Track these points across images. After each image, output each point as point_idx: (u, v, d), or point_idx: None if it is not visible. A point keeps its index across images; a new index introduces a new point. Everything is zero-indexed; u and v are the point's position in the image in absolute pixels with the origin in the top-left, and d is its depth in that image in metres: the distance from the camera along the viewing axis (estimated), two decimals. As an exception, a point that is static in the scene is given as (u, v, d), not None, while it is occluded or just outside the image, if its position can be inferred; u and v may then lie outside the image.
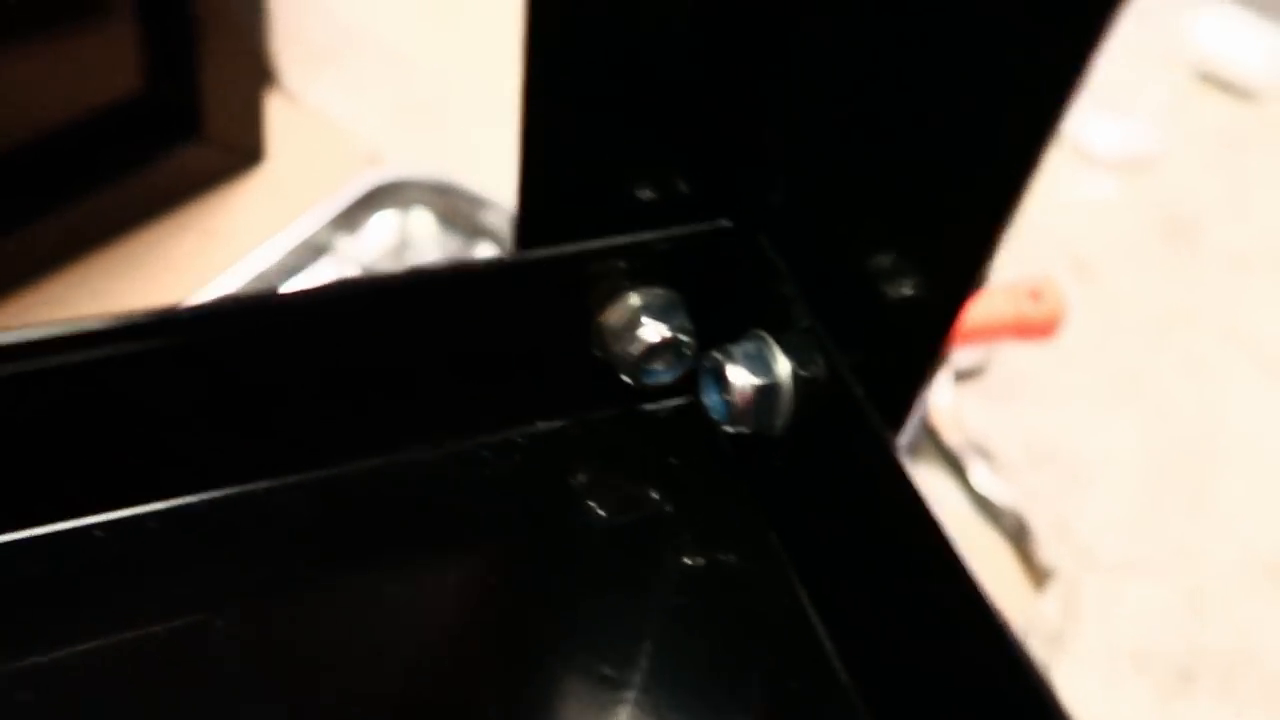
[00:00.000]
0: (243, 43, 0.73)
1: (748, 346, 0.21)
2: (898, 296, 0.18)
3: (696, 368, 0.22)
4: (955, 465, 0.77)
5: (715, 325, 0.21)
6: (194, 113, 0.72)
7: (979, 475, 0.76)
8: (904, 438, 0.73)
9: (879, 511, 0.19)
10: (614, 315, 0.21)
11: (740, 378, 0.21)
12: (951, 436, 0.77)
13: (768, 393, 0.21)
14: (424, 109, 0.88)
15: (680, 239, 0.20)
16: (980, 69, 0.16)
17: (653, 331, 0.21)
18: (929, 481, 0.76)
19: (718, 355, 0.21)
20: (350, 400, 0.21)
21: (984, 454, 0.78)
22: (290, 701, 0.21)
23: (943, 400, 0.79)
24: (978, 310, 0.77)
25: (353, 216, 0.76)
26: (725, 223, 0.20)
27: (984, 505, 0.75)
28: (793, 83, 0.19)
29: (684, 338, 0.21)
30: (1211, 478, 0.80)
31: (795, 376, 0.21)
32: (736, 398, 0.21)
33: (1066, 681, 0.68)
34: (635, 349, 0.21)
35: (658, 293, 0.21)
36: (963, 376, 0.84)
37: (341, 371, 0.20)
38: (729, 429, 0.22)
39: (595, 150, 0.19)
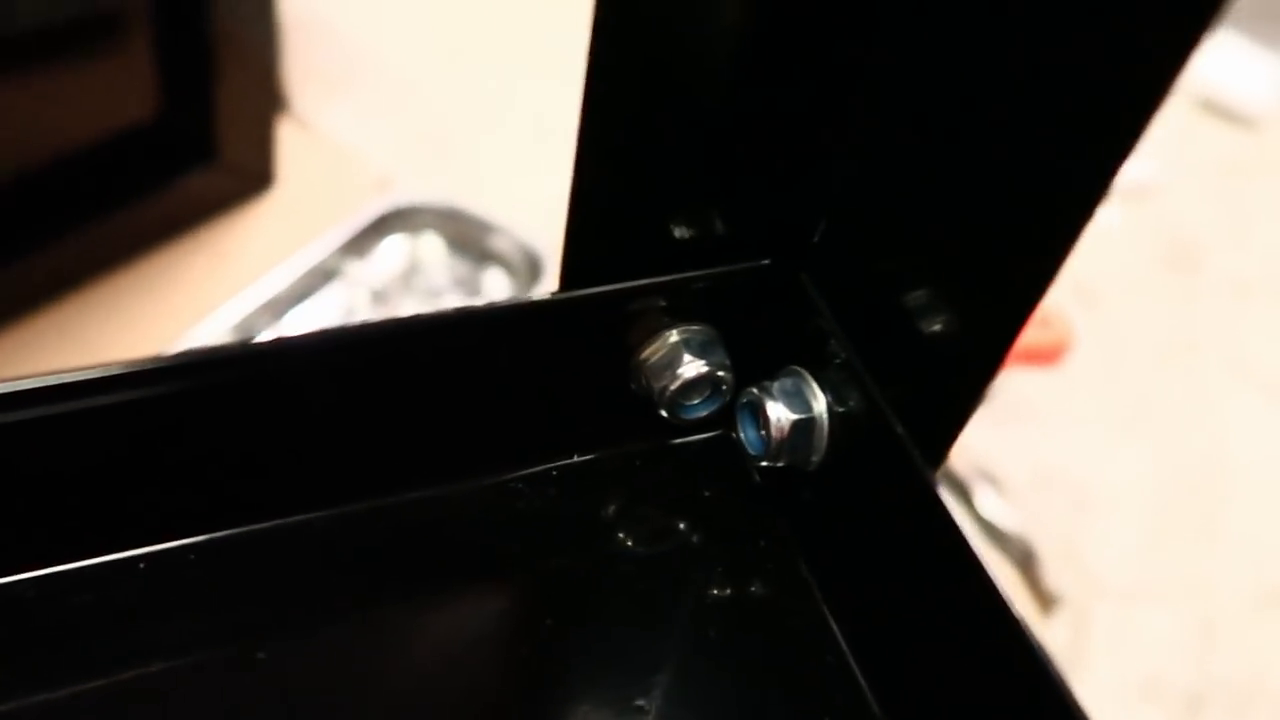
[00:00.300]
0: (257, 70, 0.74)
1: (785, 382, 0.21)
2: (938, 334, 0.19)
3: (733, 403, 0.22)
4: (961, 490, 0.77)
5: (754, 361, 0.22)
6: (208, 138, 0.73)
7: (985, 501, 0.76)
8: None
9: (917, 549, 0.20)
10: (653, 352, 0.21)
11: (778, 413, 0.21)
12: (957, 461, 0.77)
13: (804, 428, 0.21)
14: (434, 136, 0.88)
15: (719, 277, 0.21)
16: (1034, 115, 0.16)
17: (691, 368, 0.21)
18: (936, 507, 0.76)
19: (755, 391, 0.22)
20: (390, 434, 0.21)
21: (990, 479, 0.78)
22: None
23: (949, 426, 0.79)
24: (984, 337, 0.78)
25: (363, 241, 0.77)
26: (765, 261, 0.21)
27: (990, 531, 0.75)
28: (838, 124, 0.19)
29: (722, 374, 0.21)
30: (1219, 505, 0.80)
31: (831, 412, 0.21)
32: (773, 433, 0.21)
33: (1075, 709, 0.67)
34: (674, 385, 0.21)
35: (697, 329, 0.21)
36: (969, 402, 0.84)
37: (383, 406, 0.21)
38: (764, 464, 0.22)
39: (641, 192, 0.19)
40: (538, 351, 0.21)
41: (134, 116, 0.70)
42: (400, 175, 0.84)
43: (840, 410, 0.21)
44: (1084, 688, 0.63)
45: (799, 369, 0.21)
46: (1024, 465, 0.80)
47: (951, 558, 0.18)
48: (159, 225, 0.75)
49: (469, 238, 0.80)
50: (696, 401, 0.22)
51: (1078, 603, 0.73)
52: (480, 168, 0.87)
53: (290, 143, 0.82)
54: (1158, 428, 0.85)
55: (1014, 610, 0.17)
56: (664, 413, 0.22)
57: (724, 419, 0.24)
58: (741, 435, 0.22)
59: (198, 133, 0.73)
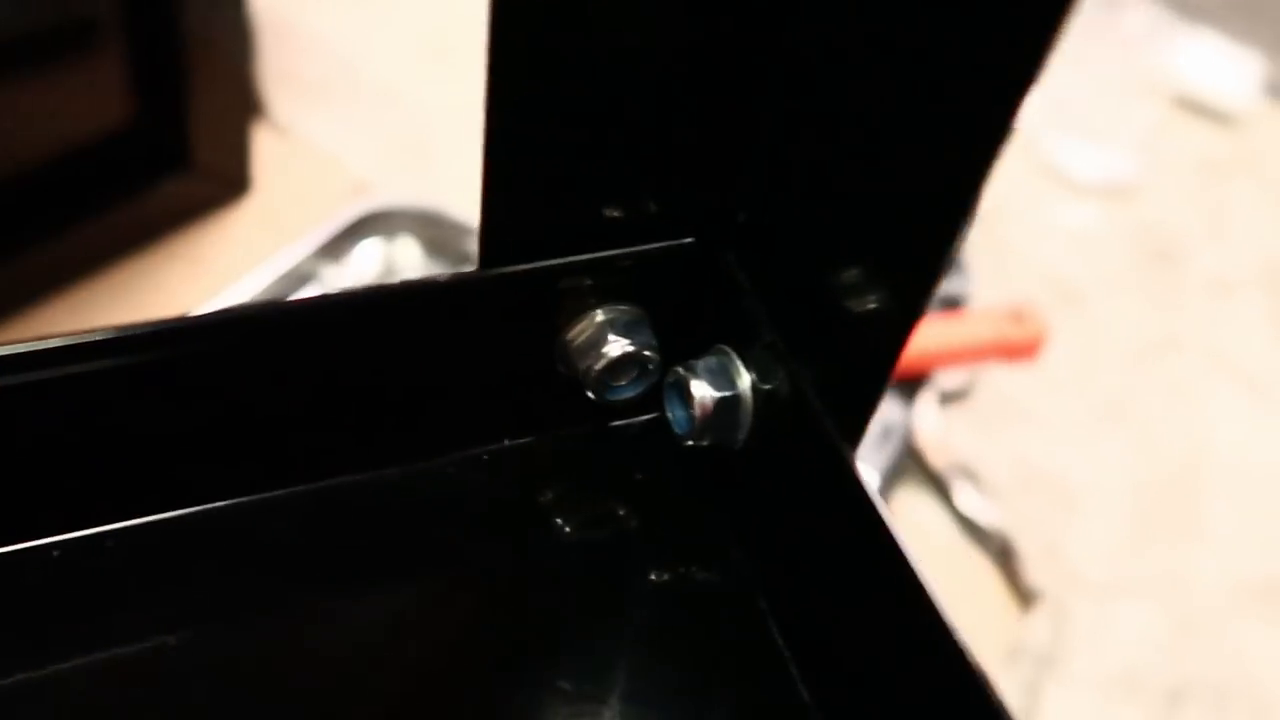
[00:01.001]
0: (231, 76, 0.74)
1: (710, 361, 0.21)
2: (856, 311, 0.19)
3: (661, 384, 0.22)
4: (941, 488, 0.77)
5: (680, 341, 0.22)
6: (182, 144, 0.73)
7: (965, 497, 0.76)
8: (886, 460, 0.73)
9: (835, 523, 0.20)
10: (578, 331, 0.21)
11: (702, 391, 0.21)
12: (937, 459, 0.77)
13: (729, 406, 0.21)
14: (410, 140, 0.88)
15: (645, 255, 0.21)
16: (929, 90, 0.17)
17: (617, 347, 0.21)
18: (915, 504, 0.76)
19: (681, 370, 0.22)
20: (312, 420, 0.21)
21: (970, 476, 0.78)
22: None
23: (928, 423, 0.79)
24: (960, 333, 0.78)
25: (339, 245, 0.76)
26: (689, 240, 0.21)
27: (970, 527, 0.75)
28: (760, 106, 0.19)
29: (648, 353, 0.21)
30: (1198, 500, 0.80)
31: (756, 390, 0.21)
32: (697, 410, 0.21)
33: (1056, 704, 0.68)
34: (599, 365, 0.21)
35: (622, 309, 0.21)
36: (948, 399, 0.84)
37: (303, 390, 0.20)
38: (691, 443, 0.22)
39: (560, 168, 0.19)
40: (460, 331, 0.21)
41: (107, 123, 0.70)
42: (377, 180, 0.84)
43: (765, 388, 0.21)
44: (1063, 683, 0.63)
45: (725, 348, 0.21)
46: (1003, 462, 0.80)
47: (868, 534, 0.18)
48: (133, 232, 0.75)
49: (445, 241, 0.80)
50: (624, 382, 0.22)
51: (1057, 598, 0.73)
52: (457, 172, 0.87)
53: (266, 148, 0.83)
54: (1137, 424, 0.85)
55: (930, 589, 0.17)
56: (591, 394, 0.22)
57: (660, 402, 0.24)
58: (669, 414, 0.22)
59: (172, 139, 0.73)
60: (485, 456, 0.23)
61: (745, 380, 0.21)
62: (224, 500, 0.21)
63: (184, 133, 0.73)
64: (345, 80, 0.92)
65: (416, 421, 0.22)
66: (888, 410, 0.76)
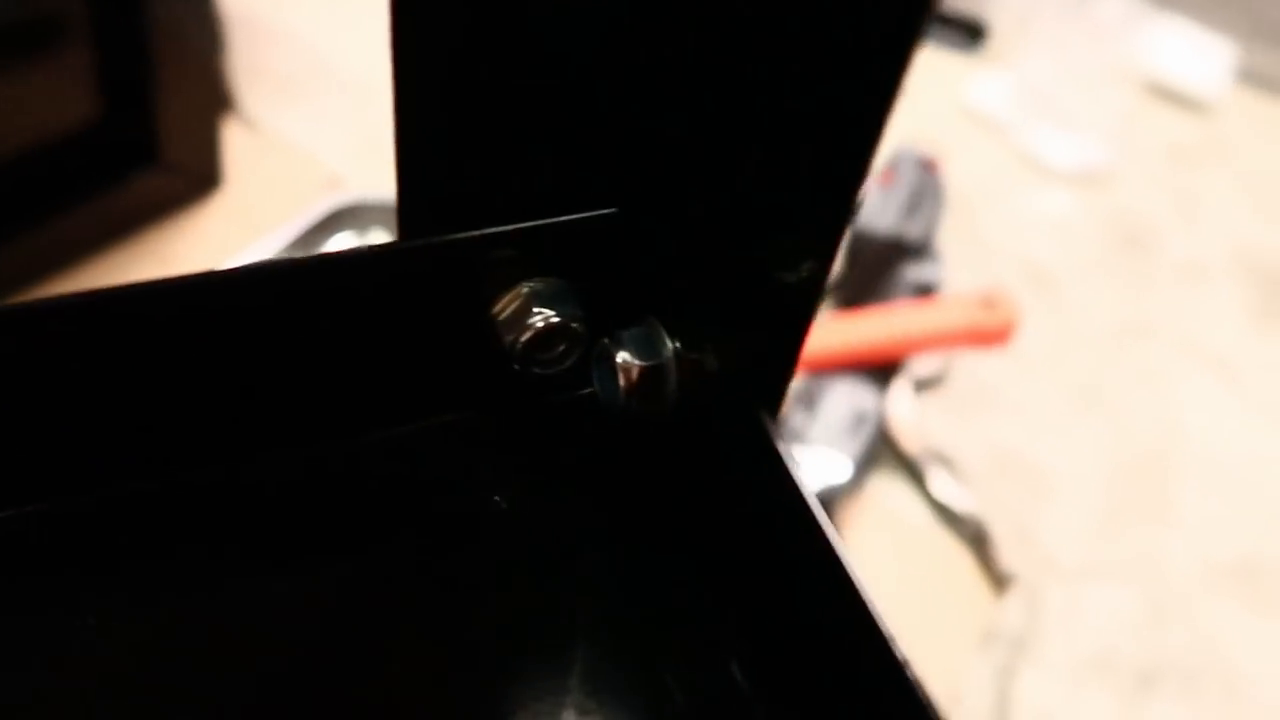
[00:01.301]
0: (200, 71, 0.74)
1: (635, 331, 0.21)
2: (771, 277, 0.19)
3: (589, 356, 0.23)
4: (915, 474, 0.78)
5: (609, 313, 0.22)
6: (151, 140, 0.73)
7: (938, 483, 0.76)
8: (860, 447, 0.74)
9: (756, 492, 0.20)
10: (505, 305, 0.21)
11: (626, 360, 0.21)
12: (911, 445, 0.78)
13: (653, 375, 0.21)
14: (382, 134, 0.88)
15: (569, 225, 0.21)
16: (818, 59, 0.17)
17: (541, 319, 0.21)
18: (889, 490, 0.77)
19: (606, 341, 0.22)
20: (236, 397, 0.21)
21: (944, 462, 0.79)
22: (178, 702, 0.21)
23: (902, 409, 0.80)
24: (933, 318, 0.78)
25: (311, 240, 0.76)
26: (612, 210, 0.21)
27: (944, 513, 0.76)
28: (671, 74, 0.19)
29: (575, 325, 0.21)
30: (1169, 484, 0.81)
31: (681, 358, 0.21)
32: (623, 381, 0.21)
33: (1030, 687, 0.68)
34: (525, 336, 0.21)
35: (548, 281, 0.21)
36: (922, 386, 0.84)
37: (226, 366, 0.20)
38: (620, 413, 0.22)
39: (478, 140, 0.19)
40: (384, 305, 0.21)
41: (75, 119, 0.70)
42: (350, 175, 0.84)
43: (690, 357, 0.21)
44: (1036, 666, 0.63)
45: (651, 318, 0.22)
46: (977, 447, 0.81)
47: (786, 502, 0.19)
48: (104, 228, 0.74)
49: (418, 234, 0.80)
50: (552, 355, 0.22)
51: (1030, 582, 0.74)
52: (432, 166, 0.87)
53: (238, 144, 0.82)
54: (1109, 409, 0.86)
55: (845, 558, 0.17)
56: (518, 367, 0.22)
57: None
58: (596, 386, 0.23)
59: (140, 134, 0.73)
60: (419, 432, 0.23)
61: (670, 349, 0.21)
62: (137, 482, 0.21)
63: (153, 128, 0.73)
64: (316, 74, 0.92)
65: (347, 398, 0.22)
66: (862, 397, 0.76)
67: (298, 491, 0.23)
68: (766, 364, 0.20)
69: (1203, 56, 1.09)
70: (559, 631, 0.24)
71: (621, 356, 0.21)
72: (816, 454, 0.73)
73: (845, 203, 0.16)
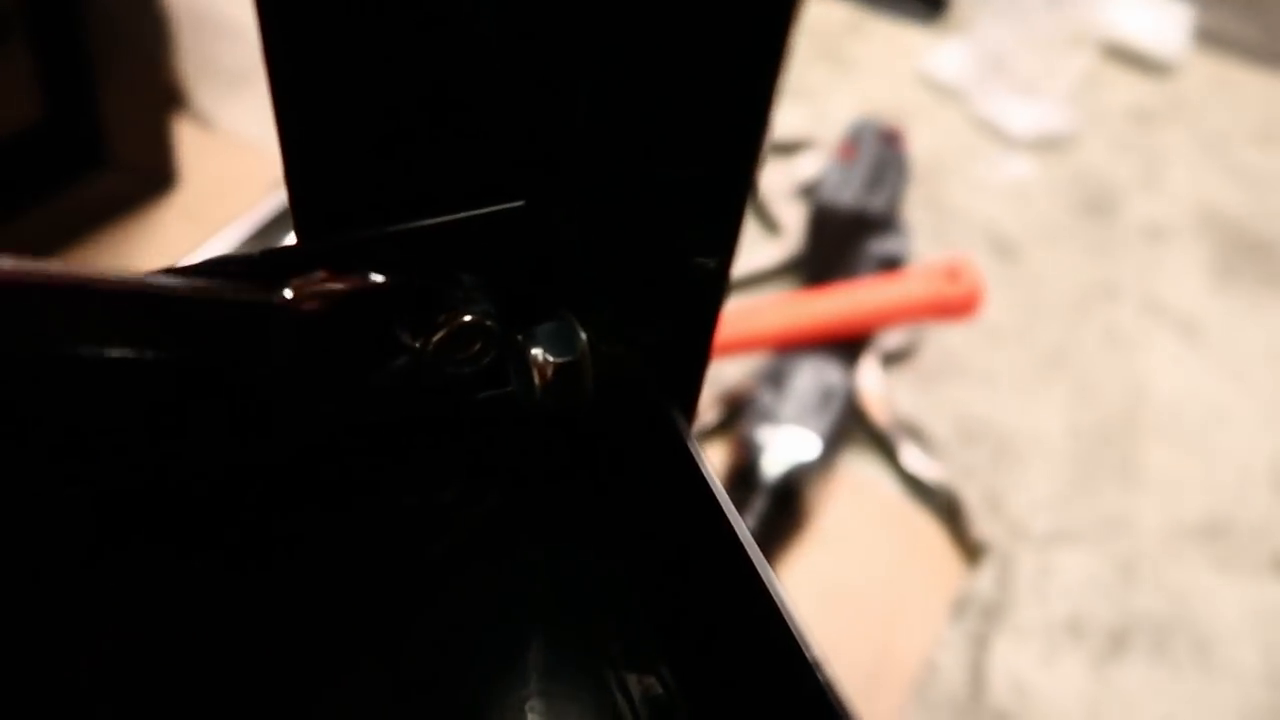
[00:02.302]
0: (146, 68, 0.73)
1: (549, 327, 0.21)
2: (678, 268, 0.19)
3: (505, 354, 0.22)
4: (885, 447, 0.78)
5: (521, 309, 0.22)
6: (99, 140, 0.72)
7: (909, 455, 0.77)
8: (829, 423, 0.74)
9: (669, 487, 0.20)
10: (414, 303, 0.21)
11: (540, 357, 0.21)
12: (881, 418, 0.78)
13: (568, 371, 0.21)
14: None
15: (475, 220, 0.20)
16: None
17: (453, 317, 0.21)
18: (861, 465, 0.77)
19: (520, 338, 0.21)
20: (161, 405, 0.21)
21: (914, 434, 0.79)
22: (136, 695, 0.21)
23: (871, 383, 0.80)
24: (897, 292, 0.78)
25: (267, 237, 0.76)
26: (519, 203, 0.20)
27: (915, 485, 0.76)
28: (571, 60, 0.19)
29: (488, 323, 0.21)
30: (1137, 447, 0.82)
31: (597, 353, 0.21)
32: (537, 378, 0.21)
33: (1004, 653, 0.69)
34: (437, 336, 0.21)
35: (457, 278, 0.21)
36: (891, 359, 0.85)
37: (147, 374, 0.20)
38: (536, 411, 0.22)
39: (369, 131, 0.19)
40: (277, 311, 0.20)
41: (16, 121, 0.69)
42: (306, 168, 0.83)
43: (604, 351, 0.21)
44: (1009, 632, 0.64)
45: (565, 313, 0.21)
46: (947, 419, 0.81)
47: (694, 495, 0.18)
48: (55, 232, 0.73)
49: (377, 226, 0.79)
50: (466, 354, 0.21)
51: (1001, 549, 0.74)
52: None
53: (190, 141, 0.81)
54: (1076, 373, 0.86)
55: (757, 559, 0.17)
56: (435, 368, 0.21)
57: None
58: (513, 383, 0.22)
59: (87, 134, 0.72)
60: (335, 440, 0.23)
61: (584, 344, 0.21)
62: (91, 484, 0.21)
63: (100, 128, 0.71)
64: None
65: (264, 406, 0.22)
66: (829, 373, 0.76)
67: (229, 496, 0.22)
68: (678, 359, 0.20)
69: (1161, 18, 1.09)
70: (499, 631, 0.24)
71: (535, 353, 0.21)
72: (787, 432, 0.73)
73: (743, 183, 0.16)
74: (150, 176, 0.77)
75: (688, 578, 0.20)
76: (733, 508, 0.17)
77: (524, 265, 0.21)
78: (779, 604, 0.16)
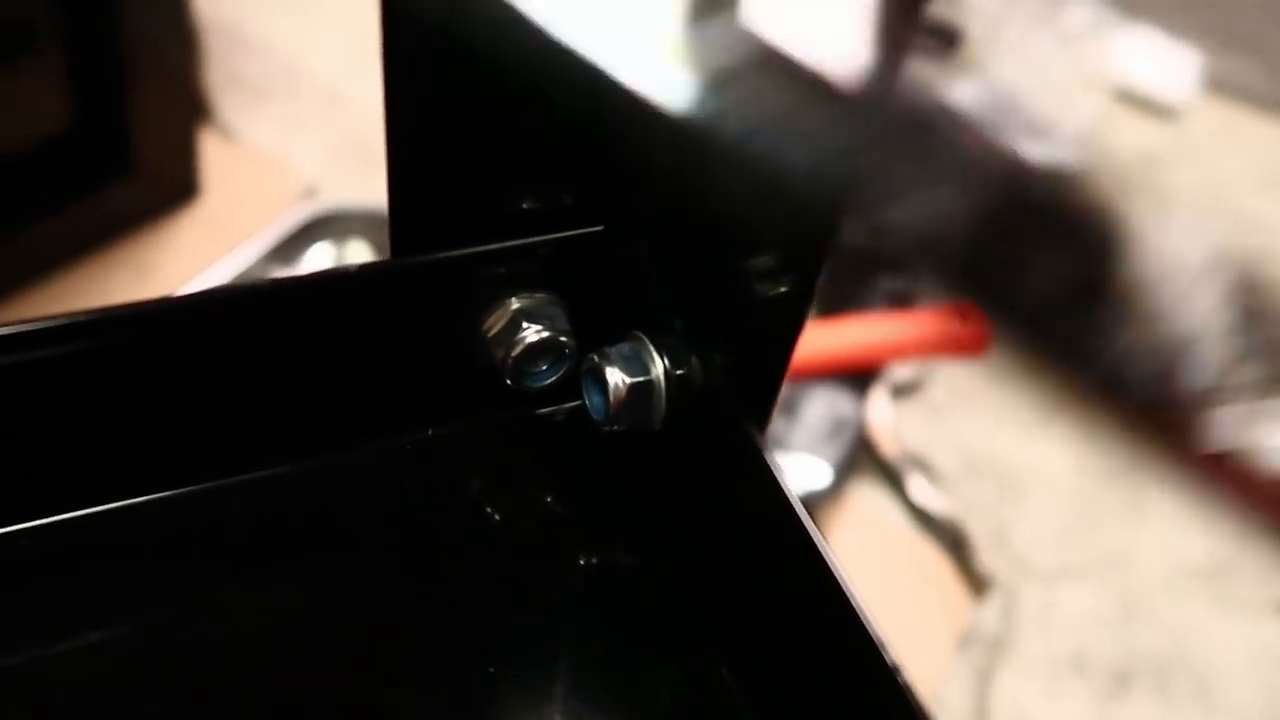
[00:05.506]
0: (174, 80, 0.74)
1: (624, 348, 0.22)
2: (757, 296, 0.19)
3: (578, 371, 0.23)
4: (893, 478, 0.78)
5: (596, 328, 0.22)
6: (125, 149, 0.72)
7: (917, 487, 0.77)
8: (840, 453, 0.74)
9: (746, 504, 0.20)
10: (494, 320, 0.22)
11: (615, 377, 0.21)
12: (889, 450, 0.79)
13: (642, 391, 0.21)
14: (359, 143, 0.88)
15: (558, 243, 0.21)
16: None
17: (531, 333, 0.21)
18: (869, 495, 0.77)
19: (595, 357, 0.22)
20: (232, 414, 0.21)
21: (922, 467, 0.79)
22: (184, 713, 0.21)
23: (880, 415, 0.80)
24: (909, 330, 0.79)
25: (289, 249, 0.76)
26: (599, 228, 0.21)
27: (922, 517, 0.76)
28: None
29: (564, 339, 0.22)
30: (1140, 484, 0.82)
31: (668, 375, 0.21)
32: (612, 397, 0.22)
33: (1007, 687, 0.69)
34: (515, 351, 0.21)
35: (537, 297, 0.22)
36: (900, 392, 0.85)
37: (221, 384, 0.21)
38: (608, 428, 0.22)
39: (467, 159, 0.19)
40: (377, 321, 0.21)
41: (47, 129, 0.69)
42: (327, 183, 0.84)
43: (677, 373, 0.21)
44: (1013, 666, 0.64)
45: (639, 334, 0.22)
46: (955, 452, 0.81)
47: (776, 512, 0.19)
48: (80, 239, 0.74)
49: (396, 243, 0.80)
50: (540, 369, 0.22)
51: (1006, 584, 0.74)
52: (409, 174, 0.87)
53: (214, 152, 0.82)
54: (1081, 411, 0.87)
55: (835, 567, 0.18)
56: (509, 381, 0.22)
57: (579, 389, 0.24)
58: (586, 401, 0.23)
59: (114, 144, 0.72)
60: (409, 447, 0.24)
61: (658, 366, 0.22)
62: (143, 496, 0.21)
63: (128, 138, 0.72)
64: (292, 83, 0.91)
65: (339, 413, 0.23)
66: (841, 404, 0.77)
67: (291, 508, 0.23)
68: (753, 378, 0.20)
69: (1171, 64, 1.11)
70: (548, 640, 0.24)
71: (610, 373, 0.21)
72: (797, 460, 0.73)
73: (822, 233, 0.17)
74: (173, 187, 0.77)
75: (761, 586, 0.21)
76: (810, 520, 0.18)
77: (600, 287, 0.21)
78: (857, 610, 0.17)
